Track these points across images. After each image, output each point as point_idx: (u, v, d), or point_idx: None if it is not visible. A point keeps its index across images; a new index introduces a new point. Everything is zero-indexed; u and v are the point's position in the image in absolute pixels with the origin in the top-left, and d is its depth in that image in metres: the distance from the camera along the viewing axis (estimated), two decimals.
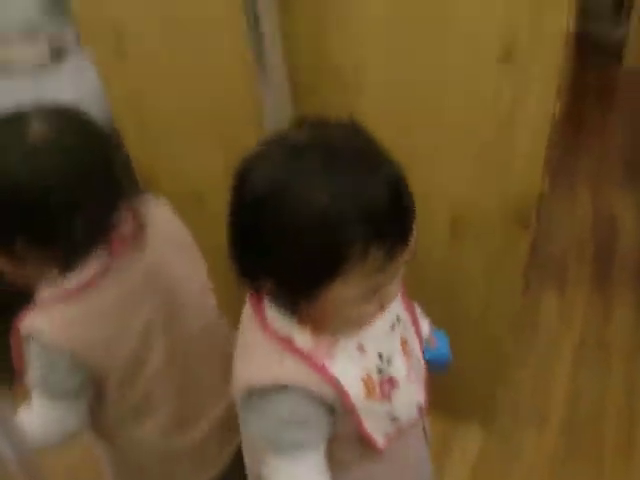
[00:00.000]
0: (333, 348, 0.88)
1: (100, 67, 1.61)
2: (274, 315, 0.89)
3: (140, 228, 1.08)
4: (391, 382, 0.94)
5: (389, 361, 0.94)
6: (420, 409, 1.01)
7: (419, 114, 1.34)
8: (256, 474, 0.98)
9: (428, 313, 1.15)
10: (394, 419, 0.95)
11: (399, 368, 0.96)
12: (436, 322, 1.16)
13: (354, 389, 0.89)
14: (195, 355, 1.18)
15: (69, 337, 1.00)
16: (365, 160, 0.77)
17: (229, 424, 1.19)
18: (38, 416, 1.05)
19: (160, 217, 1.14)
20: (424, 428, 1.09)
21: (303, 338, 0.87)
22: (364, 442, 0.94)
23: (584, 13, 2.53)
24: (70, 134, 0.96)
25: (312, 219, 0.74)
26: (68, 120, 0.98)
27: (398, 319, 0.98)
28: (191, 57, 1.48)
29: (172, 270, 1.13)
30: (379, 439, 0.94)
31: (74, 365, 1.02)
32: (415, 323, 1.03)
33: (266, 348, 0.87)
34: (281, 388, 0.84)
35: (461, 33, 1.23)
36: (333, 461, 0.93)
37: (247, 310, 0.93)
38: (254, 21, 1.25)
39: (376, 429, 0.94)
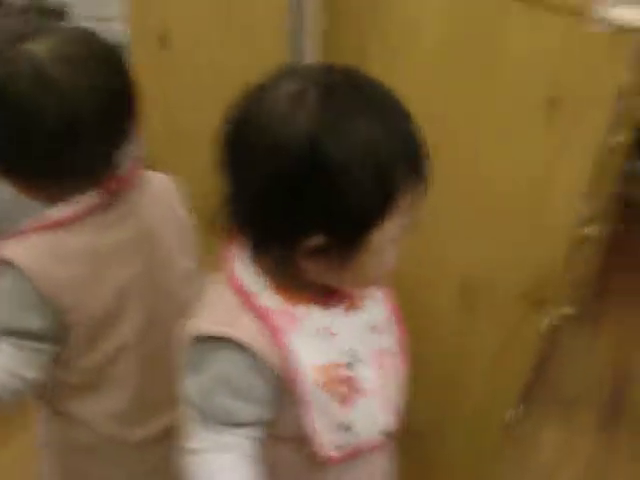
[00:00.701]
0: (296, 320, 0.82)
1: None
2: (245, 272, 0.83)
3: (138, 181, 1.04)
4: (355, 386, 0.86)
5: (361, 361, 0.87)
6: (384, 437, 0.91)
7: (448, 160, 1.27)
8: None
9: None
10: (348, 430, 0.85)
11: (368, 377, 0.88)
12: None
13: (309, 371, 0.81)
14: (166, 347, 1.07)
15: (36, 269, 0.95)
16: (394, 100, 0.79)
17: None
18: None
19: (164, 190, 1.10)
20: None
21: (271, 298, 0.82)
22: (306, 447, 0.84)
23: None
24: (83, 55, 0.93)
25: (370, 158, 0.73)
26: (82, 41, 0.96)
27: (380, 328, 0.92)
28: (234, 60, 1.45)
29: (161, 246, 1.08)
30: (326, 444, 0.84)
31: (43, 304, 0.96)
32: (403, 342, 0.96)
33: (226, 301, 0.82)
34: (227, 341, 0.78)
35: (506, 82, 1.18)
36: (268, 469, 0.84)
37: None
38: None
39: (325, 432, 0.84)
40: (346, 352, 0.86)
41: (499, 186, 1.24)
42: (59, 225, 0.98)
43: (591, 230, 1.55)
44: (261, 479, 0.81)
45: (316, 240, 0.76)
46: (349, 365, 0.86)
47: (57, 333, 1.00)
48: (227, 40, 1.44)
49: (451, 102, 1.24)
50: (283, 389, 0.81)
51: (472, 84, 1.21)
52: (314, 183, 0.72)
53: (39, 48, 0.91)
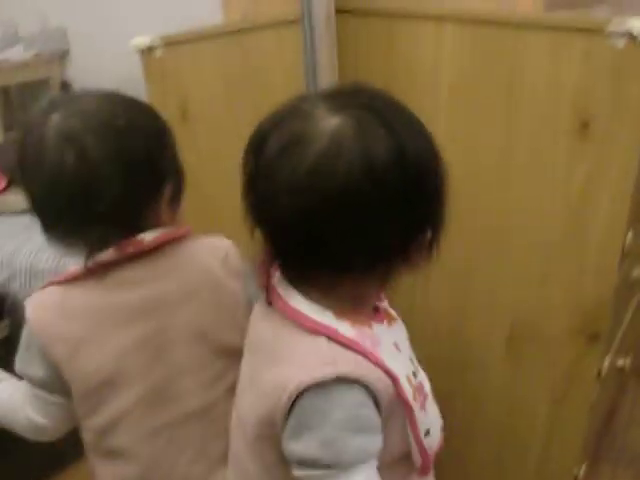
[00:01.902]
0: (377, 342, 0.82)
1: None
2: (308, 307, 0.82)
3: (168, 247, 1.02)
4: (422, 391, 0.89)
5: (417, 368, 0.91)
6: (442, 434, 0.94)
7: (481, 190, 1.22)
8: None
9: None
10: (428, 435, 0.88)
11: (424, 378, 0.92)
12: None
13: (405, 387, 0.82)
14: (184, 424, 1.03)
15: (42, 323, 0.98)
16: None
17: None
18: (15, 389, 1.06)
19: (207, 261, 1.05)
20: None
21: (344, 328, 0.81)
22: (401, 466, 0.86)
23: None
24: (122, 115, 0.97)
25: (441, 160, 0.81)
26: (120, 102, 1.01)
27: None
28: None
29: (176, 316, 1.02)
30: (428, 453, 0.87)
31: (42, 355, 0.99)
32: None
33: (307, 341, 0.80)
34: (339, 381, 0.76)
35: (532, 113, 1.13)
36: None
37: (260, 313, 0.89)
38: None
39: (423, 440, 0.86)
40: (410, 362, 0.89)
41: (535, 221, 1.18)
42: (70, 280, 0.99)
43: None
44: None
45: (428, 234, 0.82)
46: (415, 374, 0.88)
47: (62, 387, 1.00)
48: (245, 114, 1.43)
49: (476, 140, 1.19)
50: (391, 411, 0.81)
51: (496, 120, 1.17)
52: (411, 189, 0.77)
53: (66, 115, 0.95)
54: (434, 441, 0.90)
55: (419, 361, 0.93)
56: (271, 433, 0.82)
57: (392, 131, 0.77)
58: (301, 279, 0.84)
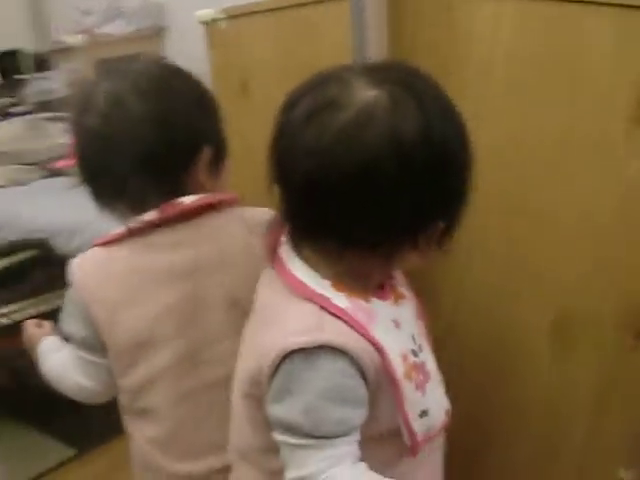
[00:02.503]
0: (372, 316, 0.83)
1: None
2: (306, 274, 0.84)
3: (207, 213, 1.05)
4: (424, 371, 0.89)
5: (420, 347, 0.90)
6: (447, 417, 0.94)
7: (532, 172, 1.16)
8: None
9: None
10: (426, 415, 0.88)
11: (429, 358, 0.92)
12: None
13: (395, 363, 0.83)
14: (213, 390, 1.07)
15: (83, 283, 1.02)
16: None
17: None
18: (64, 353, 1.11)
19: (241, 227, 1.07)
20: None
21: (339, 299, 0.82)
22: (395, 441, 0.85)
23: None
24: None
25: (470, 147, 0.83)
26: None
27: (417, 315, 0.95)
28: None
29: (212, 281, 1.05)
30: (416, 432, 0.86)
31: (83, 314, 1.03)
32: (427, 324, 0.98)
33: (298, 307, 0.82)
34: (325, 349, 0.78)
35: (591, 83, 1.08)
36: None
37: (266, 277, 0.90)
38: None
39: (413, 420, 0.86)
40: (412, 340, 0.89)
41: (590, 206, 1.12)
42: (113, 242, 1.04)
43: None
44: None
45: (441, 225, 0.82)
46: (415, 352, 0.88)
47: (101, 347, 1.04)
48: None
49: (531, 121, 1.14)
50: (378, 385, 0.81)
51: (555, 100, 1.11)
52: (437, 171, 0.78)
53: (115, 83, 1.02)
54: (432, 424, 0.89)
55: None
56: (258, 393, 0.83)
57: (425, 113, 0.78)
58: (306, 245, 0.85)
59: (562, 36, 1.08)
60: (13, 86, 3.61)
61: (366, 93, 0.78)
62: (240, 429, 0.92)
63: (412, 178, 0.77)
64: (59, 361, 1.14)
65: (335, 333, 0.79)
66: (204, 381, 1.06)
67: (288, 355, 0.79)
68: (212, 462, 1.06)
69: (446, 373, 1.31)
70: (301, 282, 0.83)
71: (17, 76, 3.68)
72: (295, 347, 0.78)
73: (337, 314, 0.80)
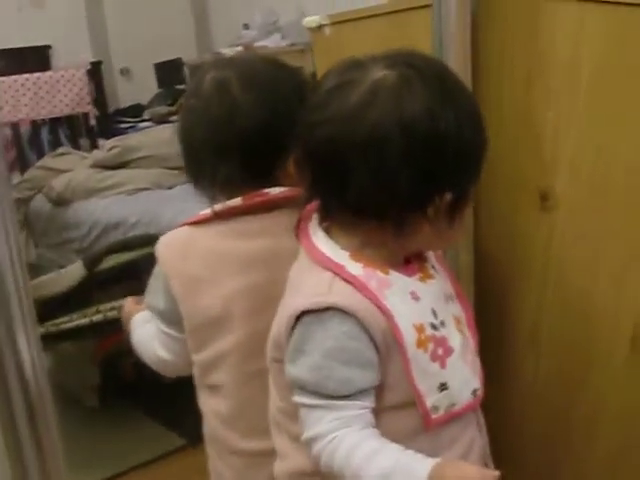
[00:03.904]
0: (386, 284, 0.87)
1: None
2: (326, 246, 0.89)
3: (285, 208, 1.06)
4: (444, 345, 0.90)
5: (443, 323, 0.91)
6: (476, 397, 0.94)
7: (614, 187, 1.09)
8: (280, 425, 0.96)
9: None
10: (444, 388, 0.89)
11: (454, 336, 0.92)
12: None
13: (405, 330, 0.85)
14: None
15: (167, 258, 1.08)
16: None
17: None
18: (150, 326, 1.16)
19: None
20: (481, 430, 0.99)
21: (354, 267, 0.86)
22: (412, 412, 0.87)
23: None
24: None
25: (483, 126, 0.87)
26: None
27: (452, 297, 0.97)
28: None
29: (285, 276, 1.04)
30: (429, 405, 0.87)
31: (165, 287, 1.09)
32: (469, 315, 0.99)
33: (315, 274, 0.87)
34: (333, 311, 0.83)
35: None
36: None
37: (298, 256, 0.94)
38: None
39: (426, 392, 0.87)
40: (432, 314, 0.90)
41: None
42: (199, 222, 1.08)
43: None
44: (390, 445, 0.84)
45: (448, 197, 0.85)
46: (435, 326, 0.89)
47: (179, 320, 1.09)
48: None
49: (615, 130, 1.07)
50: (387, 351, 0.85)
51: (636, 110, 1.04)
52: (444, 148, 0.83)
53: (222, 71, 1.08)
54: (455, 400, 0.91)
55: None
56: (280, 357, 0.89)
57: (430, 91, 0.84)
58: (327, 218, 0.91)
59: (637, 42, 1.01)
60: (173, 95, 3.84)
61: (378, 73, 0.85)
62: (271, 395, 0.97)
63: (413, 150, 0.82)
64: (145, 333, 1.19)
65: (343, 296, 0.84)
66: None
67: (300, 317, 0.85)
68: (272, 443, 1.05)
69: (522, 385, 1.26)
70: (321, 252, 0.89)
71: (178, 86, 3.91)
72: (304, 308, 0.84)
73: (348, 279, 0.85)
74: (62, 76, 4.00)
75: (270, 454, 1.06)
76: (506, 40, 1.17)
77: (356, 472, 0.82)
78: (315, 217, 0.93)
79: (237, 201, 1.05)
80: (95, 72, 4.36)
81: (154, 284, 1.13)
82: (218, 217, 1.06)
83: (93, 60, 4.46)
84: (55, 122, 4.09)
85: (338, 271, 0.86)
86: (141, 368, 1.23)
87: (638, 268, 1.09)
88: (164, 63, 3.92)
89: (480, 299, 1.19)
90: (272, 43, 4.13)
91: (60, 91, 3.96)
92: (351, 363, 0.84)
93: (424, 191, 0.85)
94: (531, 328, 1.23)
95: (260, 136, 1.03)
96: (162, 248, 1.10)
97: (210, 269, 1.06)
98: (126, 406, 2.44)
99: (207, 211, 1.07)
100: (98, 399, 2.42)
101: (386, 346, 0.85)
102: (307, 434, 0.85)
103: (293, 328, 0.86)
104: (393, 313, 0.85)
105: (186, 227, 1.10)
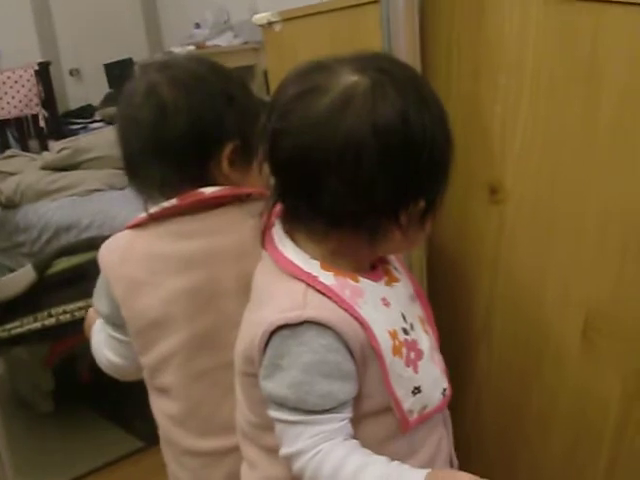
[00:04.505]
0: (359, 293, 0.86)
1: None
2: (295, 253, 0.87)
3: (224, 207, 1.07)
4: (415, 349, 0.91)
5: (412, 326, 0.92)
6: (445, 397, 0.95)
7: (560, 172, 1.11)
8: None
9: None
10: (418, 391, 0.89)
11: (422, 338, 0.93)
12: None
13: (382, 339, 0.85)
14: (224, 372, 1.07)
15: (107, 262, 1.09)
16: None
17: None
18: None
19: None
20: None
21: (326, 277, 0.85)
22: (387, 417, 0.87)
23: None
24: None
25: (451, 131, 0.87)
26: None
27: (414, 297, 0.97)
28: None
29: (224, 273, 1.07)
30: (406, 409, 0.88)
31: (107, 291, 1.09)
32: (428, 312, 0.99)
33: (286, 285, 0.85)
34: (309, 324, 0.81)
35: (611, 81, 1.01)
36: None
37: (262, 259, 0.93)
38: None
39: (402, 397, 0.87)
40: (402, 319, 0.90)
41: (614, 206, 1.06)
42: (138, 226, 1.09)
43: None
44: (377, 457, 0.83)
45: (422, 204, 0.85)
46: (406, 330, 0.90)
47: (123, 324, 1.10)
48: None
49: (556, 122, 1.09)
50: (364, 360, 0.84)
51: (576, 101, 1.06)
52: (417, 156, 0.82)
53: (153, 75, 1.08)
54: (427, 402, 0.91)
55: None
56: (251, 370, 0.87)
57: (403, 97, 0.82)
58: (295, 226, 0.89)
59: (580, 33, 1.03)
60: None
61: (348, 78, 0.82)
62: (239, 407, 0.95)
63: (389, 157, 0.81)
64: (98, 339, 1.20)
65: (319, 309, 0.82)
66: (221, 363, 1.07)
67: (275, 331, 0.82)
68: (228, 441, 1.07)
69: (476, 378, 1.27)
70: (290, 261, 0.86)
71: None
72: (281, 323, 0.82)
73: (322, 291, 0.83)
74: (9, 77, 3.93)
75: (226, 452, 1.08)
76: (453, 34, 1.18)
77: None
78: (278, 224, 0.92)
79: (172, 202, 1.05)
80: (43, 73, 4.28)
81: (98, 289, 1.13)
82: (155, 219, 1.06)
83: (41, 61, 4.38)
84: (3, 124, 4.02)
85: (311, 282, 0.84)
86: (97, 371, 1.24)
87: (587, 261, 1.11)
88: (115, 63, 3.87)
89: (433, 292, 1.20)
90: (224, 42, 4.11)
91: (7, 93, 3.89)
92: (331, 376, 0.82)
93: (400, 198, 0.84)
94: (484, 320, 1.25)
95: (189, 137, 1.04)
96: (103, 252, 1.10)
97: (148, 271, 1.07)
98: (82, 410, 2.41)
99: (144, 215, 1.07)
100: (53, 404, 2.39)
101: (363, 356, 0.84)
102: (287, 450, 0.84)
103: (267, 342, 0.83)
104: (370, 323, 0.84)
105: (127, 231, 1.10)
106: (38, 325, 1.91)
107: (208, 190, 1.05)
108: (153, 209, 1.06)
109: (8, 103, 3.91)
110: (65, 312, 1.90)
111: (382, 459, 0.83)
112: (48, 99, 4.26)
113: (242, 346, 0.89)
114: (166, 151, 1.05)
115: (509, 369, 1.23)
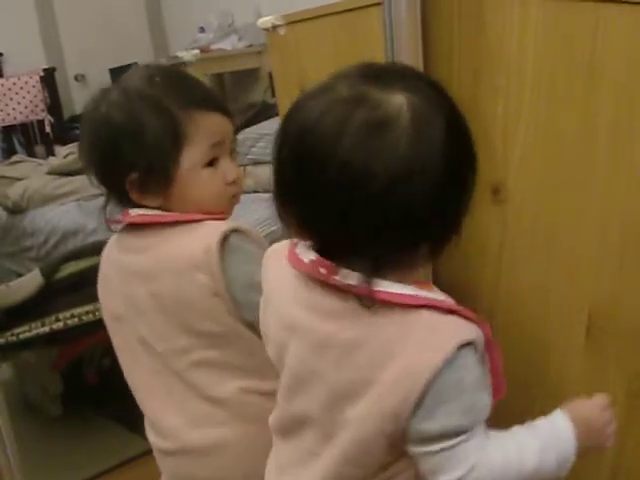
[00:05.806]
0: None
1: None
2: (398, 287, 0.82)
3: (156, 227, 1.11)
4: None
5: None
6: None
7: (561, 171, 1.11)
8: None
9: None
10: None
11: None
12: None
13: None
14: (161, 377, 1.17)
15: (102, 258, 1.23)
16: None
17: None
18: None
19: (184, 244, 1.11)
20: None
21: (436, 295, 0.86)
22: None
23: None
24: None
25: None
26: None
27: None
28: None
29: (140, 293, 1.15)
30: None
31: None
32: None
33: (413, 321, 0.81)
34: (460, 347, 0.79)
35: (610, 82, 1.02)
36: None
37: (307, 311, 0.86)
38: None
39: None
40: None
41: (614, 204, 1.07)
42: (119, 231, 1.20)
43: None
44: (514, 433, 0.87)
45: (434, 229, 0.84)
46: None
47: None
48: None
49: (556, 122, 1.09)
50: (482, 360, 0.84)
51: (575, 102, 1.06)
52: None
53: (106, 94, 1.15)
54: None
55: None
56: (393, 429, 0.81)
57: (449, 131, 0.83)
58: (380, 265, 0.81)
59: (580, 33, 1.03)
60: None
61: (391, 101, 0.79)
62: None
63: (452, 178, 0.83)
64: None
65: (462, 329, 0.81)
66: (149, 368, 1.16)
67: (460, 348, 0.79)
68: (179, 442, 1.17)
69: None
70: (402, 294, 0.81)
71: None
72: (444, 360, 0.78)
73: (443, 308, 0.81)
74: (14, 84, 3.95)
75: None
76: (454, 37, 1.18)
77: (522, 475, 0.83)
78: (347, 273, 0.81)
79: (118, 218, 1.15)
80: (49, 79, 4.31)
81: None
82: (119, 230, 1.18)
83: (46, 67, 4.40)
84: (9, 130, 4.04)
85: (430, 304, 0.81)
86: (104, 374, 1.29)
87: (590, 258, 1.11)
88: (120, 68, 3.88)
89: None
90: (229, 45, 4.12)
91: (13, 99, 3.91)
92: (484, 388, 0.83)
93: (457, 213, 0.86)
94: (487, 319, 1.24)
95: (99, 170, 1.12)
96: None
97: (111, 273, 1.19)
98: (90, 413, 2.42)
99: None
100: (62, 407, 2.40)
101: (482, 356, 0.84)
102: (458, 473, 0.80)
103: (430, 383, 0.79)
104: (484, 323, 0.84)
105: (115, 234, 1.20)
106: (46, 329, 1.93)
107: (134, 212, 1.12)
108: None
109: (14, 109, 3.93)
110: (73, 316, 1.91)
111: (519, 432, 0.86)
112: (54, 105, 4.28)
113: (386, 408, 0.81)
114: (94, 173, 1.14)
115: (515, 367, 1.23)
